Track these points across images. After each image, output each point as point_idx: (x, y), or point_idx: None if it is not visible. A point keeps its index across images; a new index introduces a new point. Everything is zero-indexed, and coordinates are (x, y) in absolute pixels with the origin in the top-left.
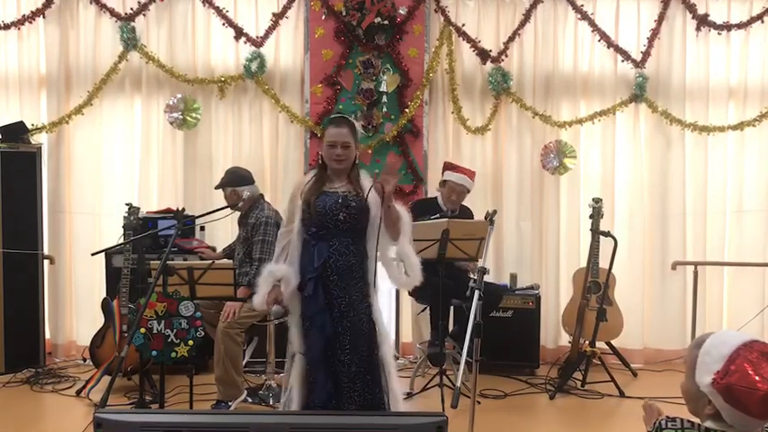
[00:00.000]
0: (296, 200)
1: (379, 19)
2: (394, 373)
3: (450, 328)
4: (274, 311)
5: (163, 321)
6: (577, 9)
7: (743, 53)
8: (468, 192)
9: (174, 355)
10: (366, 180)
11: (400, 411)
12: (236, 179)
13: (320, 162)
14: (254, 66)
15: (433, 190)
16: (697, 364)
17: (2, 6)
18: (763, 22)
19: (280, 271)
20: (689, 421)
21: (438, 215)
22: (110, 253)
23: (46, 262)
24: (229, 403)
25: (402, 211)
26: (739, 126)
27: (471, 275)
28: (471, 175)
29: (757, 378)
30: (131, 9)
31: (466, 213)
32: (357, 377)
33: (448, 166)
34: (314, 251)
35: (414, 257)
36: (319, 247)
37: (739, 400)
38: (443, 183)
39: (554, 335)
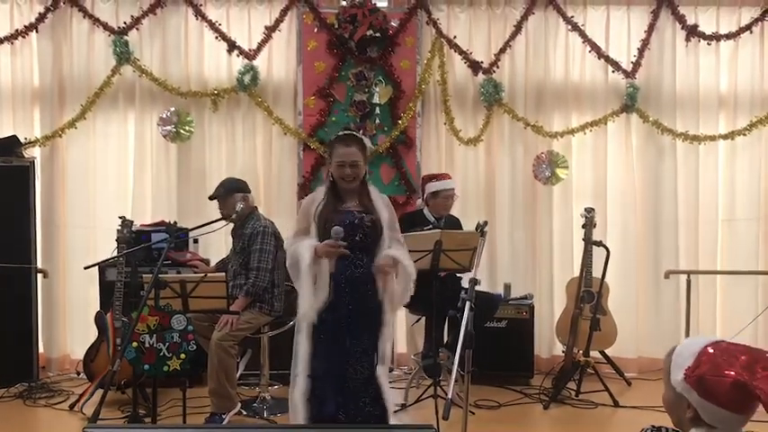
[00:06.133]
0: (309, 216)
1: (371, 31)
2: (386, 382)
3: (446, 338)
4: (336, 231)
5: (155, 335)
6: (568, 20)
7: (732, 63)
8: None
9: (166, 368)
10: (377, 197)
11: (390, 424)
12: (232, 187)
13: (331, 180)
14: (246, 78)
15: None
16: (671, 367)
17: None
18: (751, 32)
19: (308, 240)
20: (674, 430)
21: (430, 226)
22: (103, 266)
23: (39, 276)
24: (223, 416)
25: (405, 264)
26: (730, 135)
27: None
28: (450, 178)
29: (725, 367)
30: (124, 23)
31: (454, 223)
32: (367, 386)
33: (428, 179)
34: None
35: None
36: (335, 265)
37: (711, 392)
38: (434, 194)
39: (548, 344)
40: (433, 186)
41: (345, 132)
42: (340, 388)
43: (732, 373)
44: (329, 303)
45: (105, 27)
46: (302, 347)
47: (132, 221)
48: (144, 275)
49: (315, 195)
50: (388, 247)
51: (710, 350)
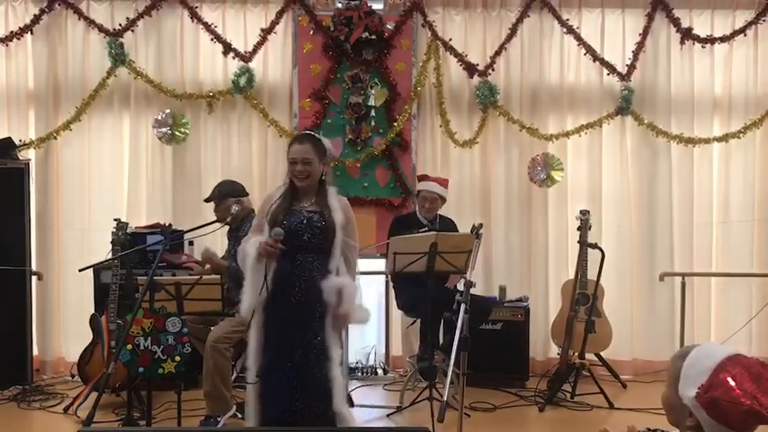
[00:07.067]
0: (264, 214)
1: (366, 34)
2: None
3: (441, 340)
4: (276, 232)
5: (150, 338)
6: (563, 23)
7: (726, 66)
8: (443, 199)
9: (161, 371)
10: (334, 198)
11: (383, 427)
12: (228, 190)
13: (290, 179)
14: (242, 81)
15: None
16: (681, 376)
17: None
18: (745, 35)
19: (257, 237)
20: None
21: (425, 228)
22: (98, 269)
23: (34, 278)
24: (218, 418)
25: (345, 292)
26: (724, 138)
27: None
28: (443, 182)
29: (740, 393)
30: (120, 25)
31: (449, 226)
32: (312, 387)
33: (420, 178)
34: (279, 265)
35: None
36: (283, 263)
37: (722, 415)
38: (417, 194)
39: (543, 347)
40: (418, 185)
41: (303, 132)
42: (288, 379)
43: (748, 402)
44: (278, 297)
45: (100, 29)
46: (252, 338)
47: (127, 223)
48: (139, 278)
49: (273, 193)
50: (338, 271)
51: (726, 370)
